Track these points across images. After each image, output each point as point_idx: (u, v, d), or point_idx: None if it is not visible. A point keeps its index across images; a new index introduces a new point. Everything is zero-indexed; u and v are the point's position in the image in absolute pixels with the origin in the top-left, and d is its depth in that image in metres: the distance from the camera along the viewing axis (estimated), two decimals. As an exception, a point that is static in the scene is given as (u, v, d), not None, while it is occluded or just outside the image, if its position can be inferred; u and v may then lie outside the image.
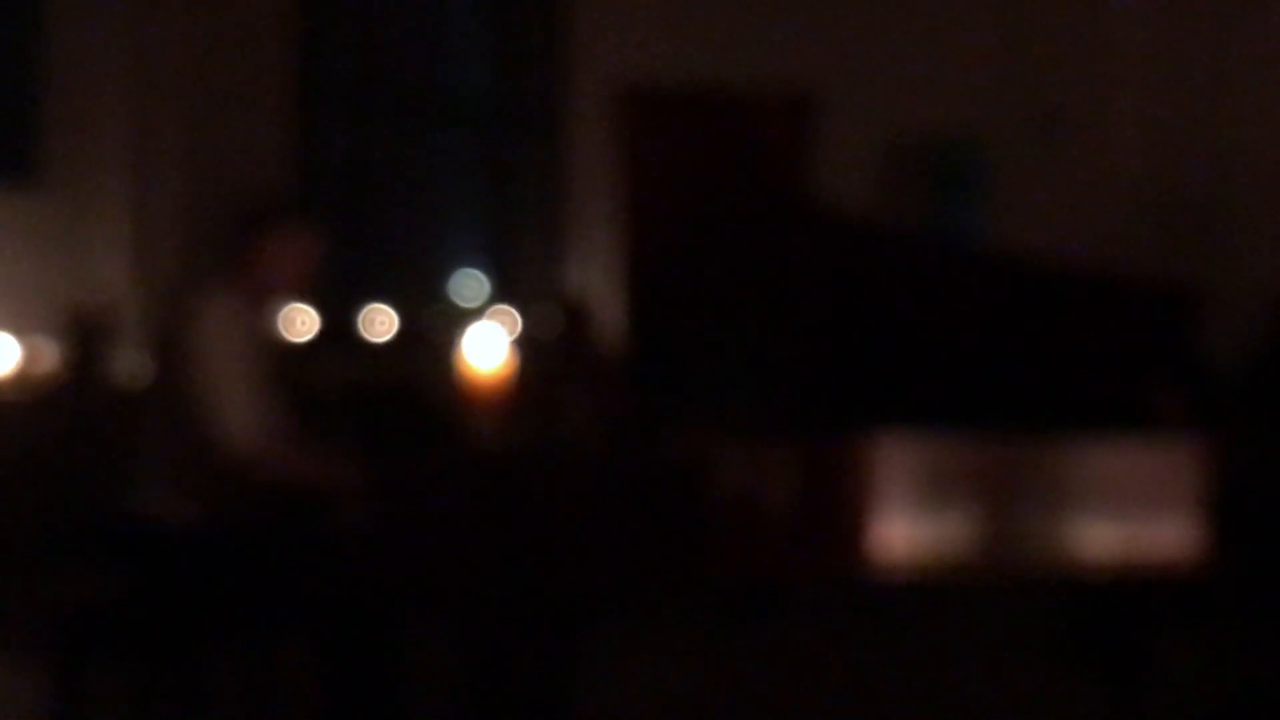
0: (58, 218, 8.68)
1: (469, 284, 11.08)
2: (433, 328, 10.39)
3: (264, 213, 4.37)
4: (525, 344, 10.04)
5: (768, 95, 4.68)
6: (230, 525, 4.12)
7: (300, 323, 9.46)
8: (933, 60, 9.73)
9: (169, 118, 8.93)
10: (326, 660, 4.08)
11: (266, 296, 4.32)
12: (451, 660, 4.16)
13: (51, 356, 7.98)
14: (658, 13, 10.95)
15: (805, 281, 4.14)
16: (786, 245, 4.12)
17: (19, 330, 8.23)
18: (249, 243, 4.25)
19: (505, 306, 10.91)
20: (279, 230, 4.28)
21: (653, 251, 4.10)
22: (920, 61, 9.77)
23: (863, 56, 9.92)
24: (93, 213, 8.77)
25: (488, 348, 3.61)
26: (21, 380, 7.98)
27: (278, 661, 4.48)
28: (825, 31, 10.09)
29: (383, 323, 10.13)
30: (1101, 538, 3.83)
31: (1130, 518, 3.87)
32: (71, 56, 8.79)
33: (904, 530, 3.68)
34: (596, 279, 10.90)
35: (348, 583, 3.84)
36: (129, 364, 7.64)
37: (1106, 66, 9.04)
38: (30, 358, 8.00)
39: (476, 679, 3.75)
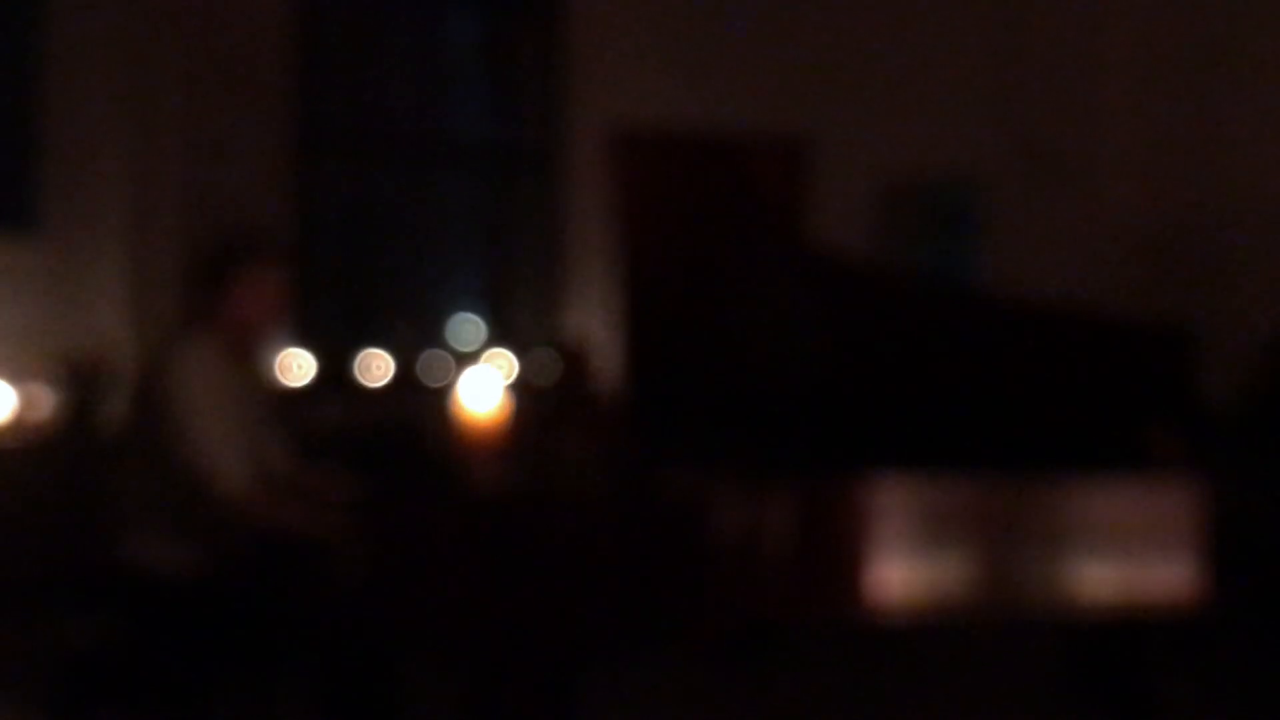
0: (57, 266, 8.69)
1: (466, 329, 11.10)
2: (429, 372, 10.40)
3: (228, 252, 4.26)
4: (522, 388, 10.06)
5: (763, 139, 4.68)
6: (226, 571, 4.09)
7: (297, 367, 9.48)
8: (926, 103, 9.77)
9: (167, 166, 8.95)
10: (325, 705, 4.06)
11: (240, 337, 4.24)
12: (449, 704, 4.15)
13: (49, 404, 7.99)
14: (654, 59, 11.01)
15: (802, 323, 4.14)
16: (782, 288, 4.13)
17: (16, 378, 8.24)
18: (215, 284, 4.20)
19: (502, 350, 10.93)
20: (245, 268, 4.20)
21: (649, 294, 4.09)
22: (914, 104, 9.81)
23: (857, 99, 9.96)
24: (92, 261, 8.79)
25: (484, 392, 3.60)
26: (18, 428, 7.98)
27: (277, 706, 4.48)
28: (819, 75, 10.14)
29: (379, 368, 10.14)
30: (1099, 578, 3.83)
31: (1128, 558, 3.86)
32: (70, 107, 8.82)
33: (902, 572, 3.68)
34: (594, 323, 10.92)
35: (345, 627, 3.83)
36: (126, 411, 7.65)
37: (1099, 108, 9.07)
38: (27, 405, 8.00)
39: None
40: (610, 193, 4.06)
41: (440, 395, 9.46)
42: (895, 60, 9.92)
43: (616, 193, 4.05)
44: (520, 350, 10.98)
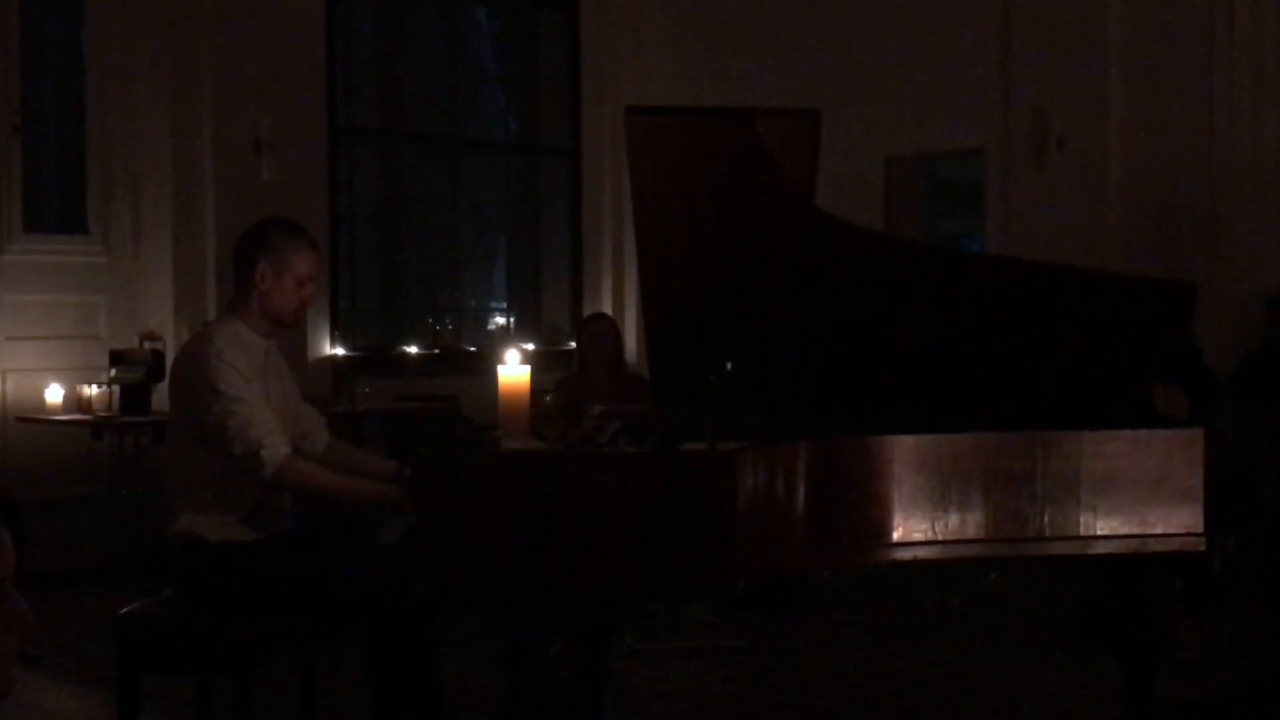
0: (106, 264, 8.84)
1: (495, 320, 11.27)
2: (465, 350, 10.53)
3: (256, 240, 4.31)
4: (552, 360, 10.21)
5: (775, 110, 4.68)
6: (273, 538, 4.20)
7: (340, 350, 9.64)
8: (932, 74, 9.79)
9: (205, 166, 9.04)
10: (365, 667, 4.03)
11: (273, 321, 4.31)
12: (488, 661, 4.28)
13: (102, 394, 8.15)
14: (669, 41, 11.09)
15: (817, 288, 4.12)
16: (797, 255, 4.11)
17: (69, 371, 8.42)
18: (246, 270, 4.27)
19: (532, 324, 11.09)
20: (272, 255, 4.26)
21: (666, 264, 4.10)
22: (920, 76, 9.83)
23: (865, 71, 10.01)
24: (138, 259, 8.93)
25: (516, 365, 3.68)
26: (77, 413, 8.16)
27: (319, 668, 4.63)
28: (832, 55, 10.19)
29: (416, 348, 10.28)
30: (1108, 529, 3.85)
31: (1135, 509, 3.89)
32: (112, 112, 8.94)
33: (921, 526, 3.71)
34: (617, 295, 11.07)
35: (387, 588, 3.82)
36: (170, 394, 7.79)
37: (1100, 78, 9.06)
38: (82, 394, 8.17)
39: (512, 681, 3.72)
40: (627, 165, 4.07)
41: (475, 370, 9.64)
42: (903, 33, 9.97)
43: (632, 165, 4.03)
44: (549, 324, 11.15)
